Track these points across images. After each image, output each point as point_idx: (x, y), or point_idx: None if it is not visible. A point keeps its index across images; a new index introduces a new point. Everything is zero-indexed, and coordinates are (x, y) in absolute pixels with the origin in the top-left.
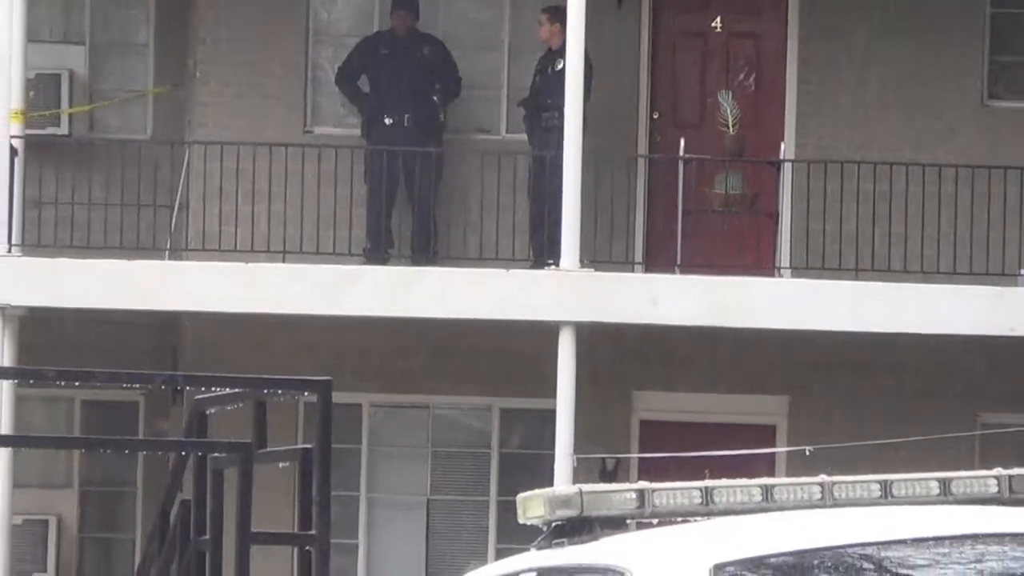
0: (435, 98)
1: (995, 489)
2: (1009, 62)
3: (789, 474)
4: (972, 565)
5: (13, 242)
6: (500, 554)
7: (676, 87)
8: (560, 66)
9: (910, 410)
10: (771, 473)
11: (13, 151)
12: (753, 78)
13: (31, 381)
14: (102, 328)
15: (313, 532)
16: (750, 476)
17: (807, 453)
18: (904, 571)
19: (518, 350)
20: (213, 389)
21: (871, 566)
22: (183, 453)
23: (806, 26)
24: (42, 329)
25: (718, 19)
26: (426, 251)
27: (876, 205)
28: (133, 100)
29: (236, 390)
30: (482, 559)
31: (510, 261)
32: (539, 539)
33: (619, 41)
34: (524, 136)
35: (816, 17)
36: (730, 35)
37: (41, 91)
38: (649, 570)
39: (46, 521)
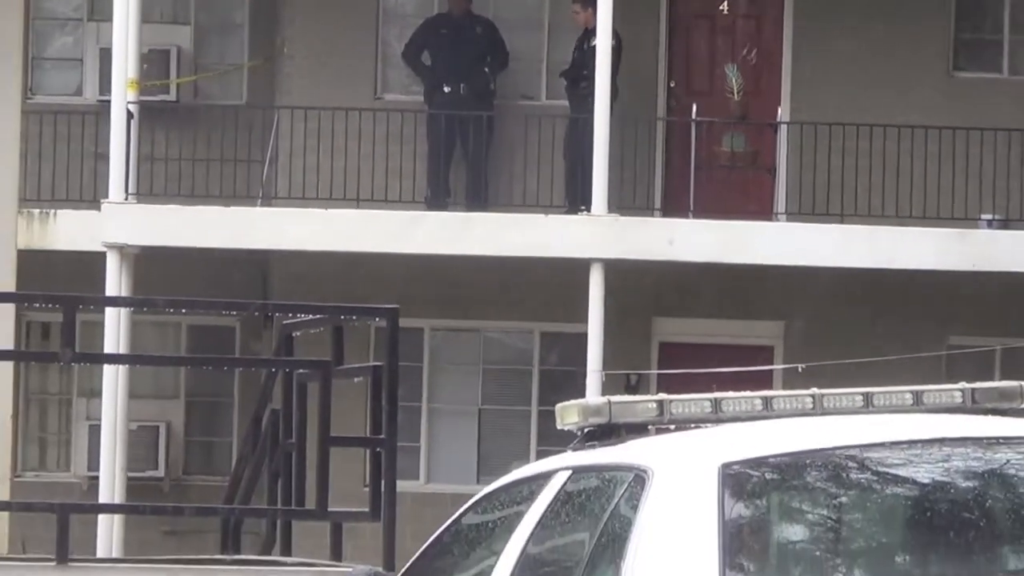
0: (486, 70)
1: (960, 400)
2: (971, 39)
3: (785, 388)
4: (939, 464)
5: (130, 192)
6: (540, 455)
7: (689, 61)
8: (593, 43)
9: (888, 333)
10: (769, 387)
11: (129, 115)
12: (755, 52)
13: (144, 309)
14: (204, 264)
15: (382, 436)
16: (752, 390)
17: (799, 370)
18: (882, 469)
19: (556, 283)
20: (298, 316)
21: (855, 465)
22: (272, 370)
23: (800, 7)
24: (154, 265)
25: (725, 3)
26: (478, 199)
27: (859, 160)
28: (231, 72)
29: (318, 316)
30: (524, 459)
31: (548, 208)
32: (574, 442)
33: (642, 22)
34: (562, 101)
35: (809, 1)
36: (735, 16)
37: (153, 64)
38: (666, 468)
39: (157, 427)
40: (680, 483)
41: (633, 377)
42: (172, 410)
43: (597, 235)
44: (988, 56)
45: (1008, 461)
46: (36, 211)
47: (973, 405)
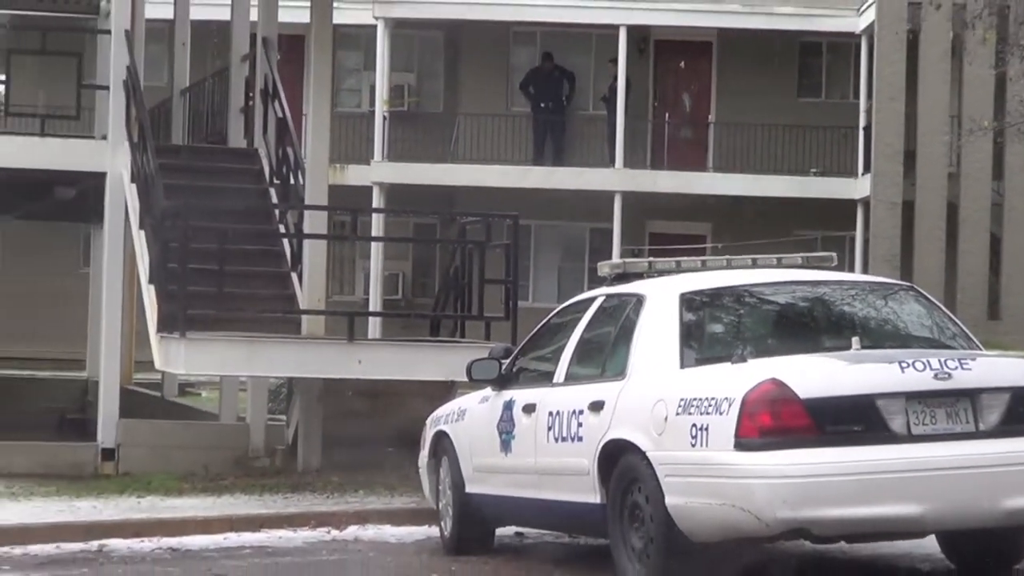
0: (563, 96)
1: (800, 262)
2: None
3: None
4: (790, 293)
5: (384, 155)
6: (589, 288)
7: (664, 90)
8: (616, 83)
9: (765, 228)
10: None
11: (384, 117)
12: (696, 86)
13: (391, 216)
14: (422, 192)
15: (511, 278)
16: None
17: (719, 248)
18: (762, 295)
19: (597, 204)
20: (467, 218)
21: (747, 294)
22: (456, 245)
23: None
24: (395, 194)
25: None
26: (560, 162)
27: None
28: (434, 95)
29: (478, 218)
30: (580, 290)
31: (594, 165)
32: (606, 282)
33: (640, 71)
34: (602, 112)
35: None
36: (687, 68)
37: (395, 92)
38: (653, 294)
39: (398, 274)
40: (660, 302)
41: (636, 250)
42: (405, 265)
43: (618, 178)
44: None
45: (824, 292)
46: (337, 165)
47: (807, 264)
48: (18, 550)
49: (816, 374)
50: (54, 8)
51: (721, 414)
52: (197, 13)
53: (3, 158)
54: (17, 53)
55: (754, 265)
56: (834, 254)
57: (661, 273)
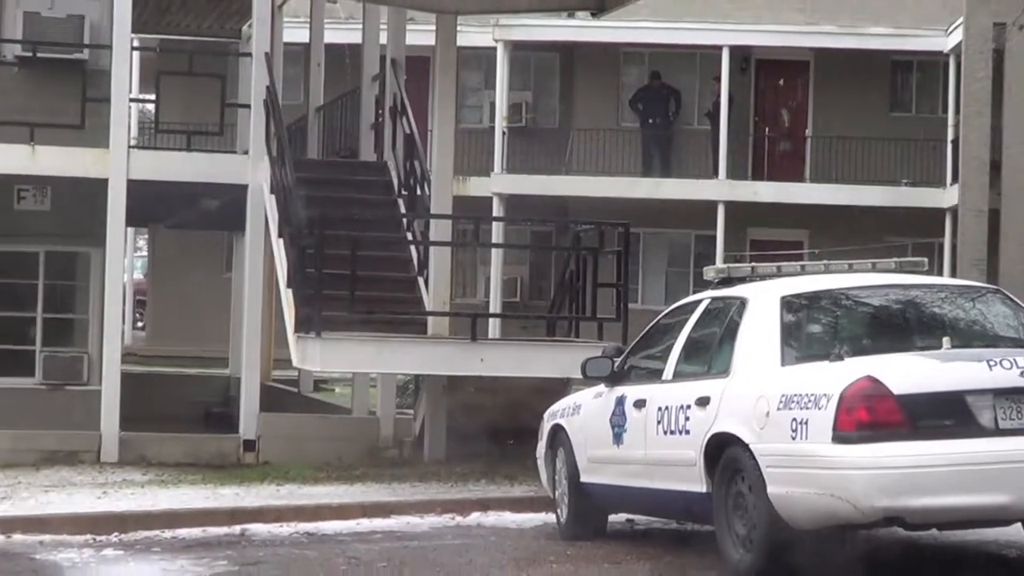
0: (670, 112)
1: (894, 267)
2: None
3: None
4: (885, 296)
5: (504, 168)
6: (695, 291)
7: (764, 106)
8: (720, 99)
9: (862, 240)
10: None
11: (503, 132)
12: (794, 104)
13: (511, 223)
14: (539, 201)
15: (621, 282)
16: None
17: (816, 253)
18: (857, 298)
19: (701, 215)
20: (580, 226)
21: (844, 296)
22: (570, 250)
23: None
24: (513, 202)
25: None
26: (666, 173)
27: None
28: (551, 112)
29: (591, 225)
30: (687, 293)
31: (698, 176)
32: (711, 286)
33: (740, 92)
34: (705, 127)
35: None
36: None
37: (514, 110)
38: (756, 297)
39: (516, 278)
40: (762, 305)
41: (738, 256)
42: (522, 269)
43: (721, 189)
44: None
45: (916, 295)
46: (460, 177)
47: (900, 269)
48: (168, 533)
49: (909, 372)
50: (200, 33)
51: (820, 409)
52: (331, 37)
53: (154, 172)
54: (166, 74)
55: (850, 269)
56: (925, 259)
57: (763, 277)
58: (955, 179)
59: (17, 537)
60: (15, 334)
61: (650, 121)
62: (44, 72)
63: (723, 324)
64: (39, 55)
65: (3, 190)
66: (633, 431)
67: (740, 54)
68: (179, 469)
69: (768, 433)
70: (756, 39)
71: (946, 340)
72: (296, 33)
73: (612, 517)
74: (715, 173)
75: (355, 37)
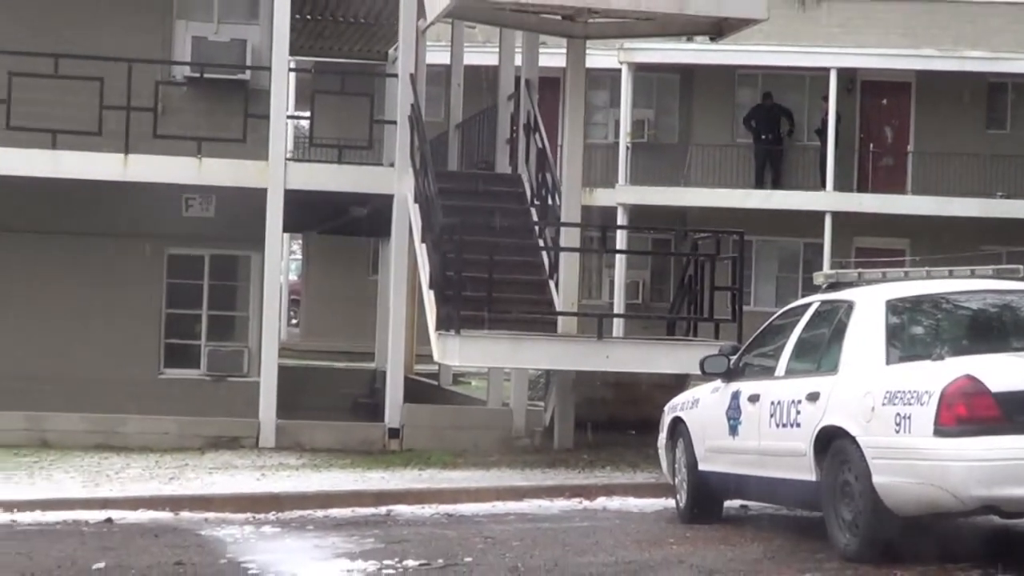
0: (781, 130)
1: (991, 274)
2: None
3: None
4: (983, 300)
5: (628, 180)
6: (804, 295)
7: (868, 125)
8: (827, 117)
9: (960, 248)
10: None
11: (627, 148)
12: (896, 122)
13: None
14: (657, 212)
15: (737, 285)
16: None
17: (917, 260)
18: (958, 302)
19: (809, 222)
20: (698, 233)
21: (944, 300)
22: (688, 256)
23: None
24: (635, 213)
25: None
26: (778, 185)
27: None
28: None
29: (708, 234)
30: (796, 297)
31: (807, 188)
32: (820, 290)
33: (846, 111)
34: (815, 143)
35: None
36: (889, 105)
37: (637, 126)
38: (863, 301)
39: (638, 281)
40: (868, 307)
41: (844, 263)
42: (644, 274)
43: (828, 200)
44: None
45: (1012, 299)
46: (588, 188)
47: (997, 275)
48: (320, 513)
49: (1005, 371)
50: (350, 56)
51: (922, 405)
52: (470, 59)
53: (308, 182)
54: (320, 93)
55: (950, 275)
56: (1020, 266)
57: (869, 282)
58: None
59: (184, 514)
60: (183, 330)
61: (763, 137)
62: (210, 91)
63: (832, 325)
64: (206, 76)
65: (173, 199)
66: (747, 423)
67: (847, 76)
68: (330, 454)
69: (874, 427)
70: (862, 62)
71: None
72: (438, 55)
73: (727, 503)
74: (823, 185)
75: (492, 59)
